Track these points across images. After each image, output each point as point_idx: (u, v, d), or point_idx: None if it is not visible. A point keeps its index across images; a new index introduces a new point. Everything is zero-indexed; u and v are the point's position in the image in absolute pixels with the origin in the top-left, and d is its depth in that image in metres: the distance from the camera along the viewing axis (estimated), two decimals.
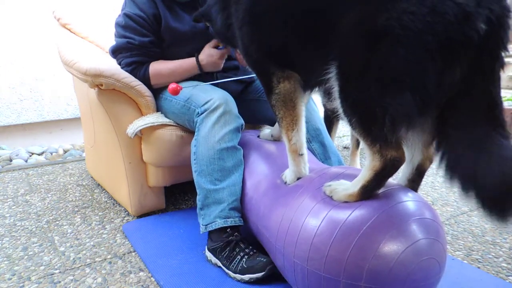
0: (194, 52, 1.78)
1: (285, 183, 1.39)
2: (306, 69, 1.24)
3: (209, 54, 1.75)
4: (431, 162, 1.19)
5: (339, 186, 1.17)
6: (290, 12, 1.14)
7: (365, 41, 0.97)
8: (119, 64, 1.83)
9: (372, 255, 1.02)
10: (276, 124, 1.66)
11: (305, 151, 1.37)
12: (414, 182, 1.22)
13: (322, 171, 1.34)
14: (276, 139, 1.69)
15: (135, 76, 1.79)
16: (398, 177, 1.26)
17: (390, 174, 1.08)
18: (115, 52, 1.81)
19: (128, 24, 1.75)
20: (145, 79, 1.79)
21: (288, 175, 1.39)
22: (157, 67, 1.79)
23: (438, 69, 0.92)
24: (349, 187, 1.13)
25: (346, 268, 1.04)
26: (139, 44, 1.74)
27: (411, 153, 1.18)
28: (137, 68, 1.78)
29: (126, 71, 1.79)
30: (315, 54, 1.13)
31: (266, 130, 1.74)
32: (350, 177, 1.19)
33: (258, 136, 1.75)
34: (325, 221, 1.11)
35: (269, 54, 1.28)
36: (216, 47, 1.76)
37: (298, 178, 1.38)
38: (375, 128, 1.01)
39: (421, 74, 0.94)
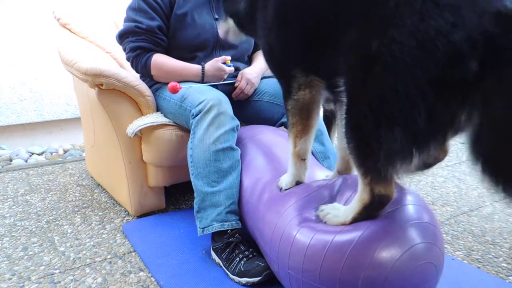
0: (195, 37, 1.80)
1: (281, 189, 1.36)
2: (326, 75, 1.19)
3: (218, 68, 1.76)
4: (445, 154, 1.15)
5: (332, 211, 1.16)
6: (306, 20, 1.12)
7: (361, 62, 0.94)
8: (124, 50, 1.83)
9: (368, 263, 1.00)
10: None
11: (308, 156, 1.34)
12: (427, 166, 1.16)
13: (320, 186, 1.31)
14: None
15: (137, 63, 1.79)
16: None
17: (378, 209, 1.07)
18: (122, 36, 1.81)
19: (141, 7, 1.76)
20: (146, 67, 1.79)
21: (285, 179, 1.36)
22: (161, 59, 1.79)
23: (429, 104, 0.86)
24: (340, 215, 1.13)
25: (341, 278, 1.02)
26: (147, 29, 1.75)
27: None
28: (141, 55, 1.78)
29: (130, 56, 1.80)
30: (332, 63, 1.08)
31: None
32: (350, 190, 1.20)
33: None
34: (318, 231, 1.11)
35: (295, 58, 1.23)
36: (224, 63, 1.76)
37: (297, 183, 1.34)
38: (370, 160, 0.99)
39: (410, 107, 0.87)
